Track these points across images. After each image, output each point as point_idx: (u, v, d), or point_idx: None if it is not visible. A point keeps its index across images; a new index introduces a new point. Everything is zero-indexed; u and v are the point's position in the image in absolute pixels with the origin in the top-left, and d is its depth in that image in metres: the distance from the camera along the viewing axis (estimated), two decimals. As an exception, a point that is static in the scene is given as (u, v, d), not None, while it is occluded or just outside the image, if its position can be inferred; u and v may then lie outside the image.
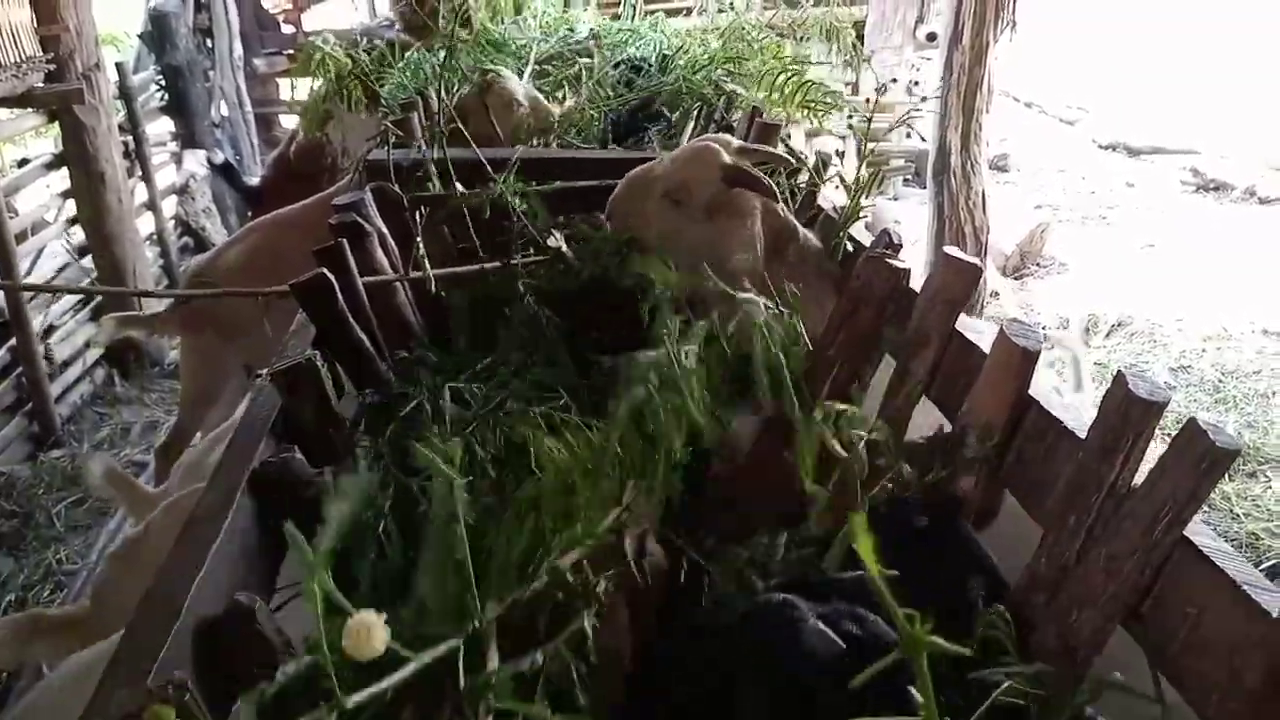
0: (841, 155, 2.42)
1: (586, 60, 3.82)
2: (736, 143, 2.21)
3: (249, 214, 6.21)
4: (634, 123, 3.42)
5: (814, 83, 3.03)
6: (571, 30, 4.23)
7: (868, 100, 2.26)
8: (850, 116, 3.29)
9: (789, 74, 3.16)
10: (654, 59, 3.81)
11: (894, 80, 9.55)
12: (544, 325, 2.01)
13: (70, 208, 6.50)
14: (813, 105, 3.05)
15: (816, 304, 2.04)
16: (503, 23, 4.26)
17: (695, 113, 3.50)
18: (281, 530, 1.49)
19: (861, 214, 2.24)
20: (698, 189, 2.09)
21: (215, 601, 1.22)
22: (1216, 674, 1.15)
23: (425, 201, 2.45)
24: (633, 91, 3.60)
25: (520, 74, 3.66)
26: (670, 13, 5.34)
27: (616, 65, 3.82)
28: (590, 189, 2.56)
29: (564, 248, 2.13)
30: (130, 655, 1.14)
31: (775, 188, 2.14)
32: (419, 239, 2.14)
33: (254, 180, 6.38)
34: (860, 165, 2.21)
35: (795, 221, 2.23)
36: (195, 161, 7.94)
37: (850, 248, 2.25)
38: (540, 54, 3.88)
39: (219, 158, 7.10)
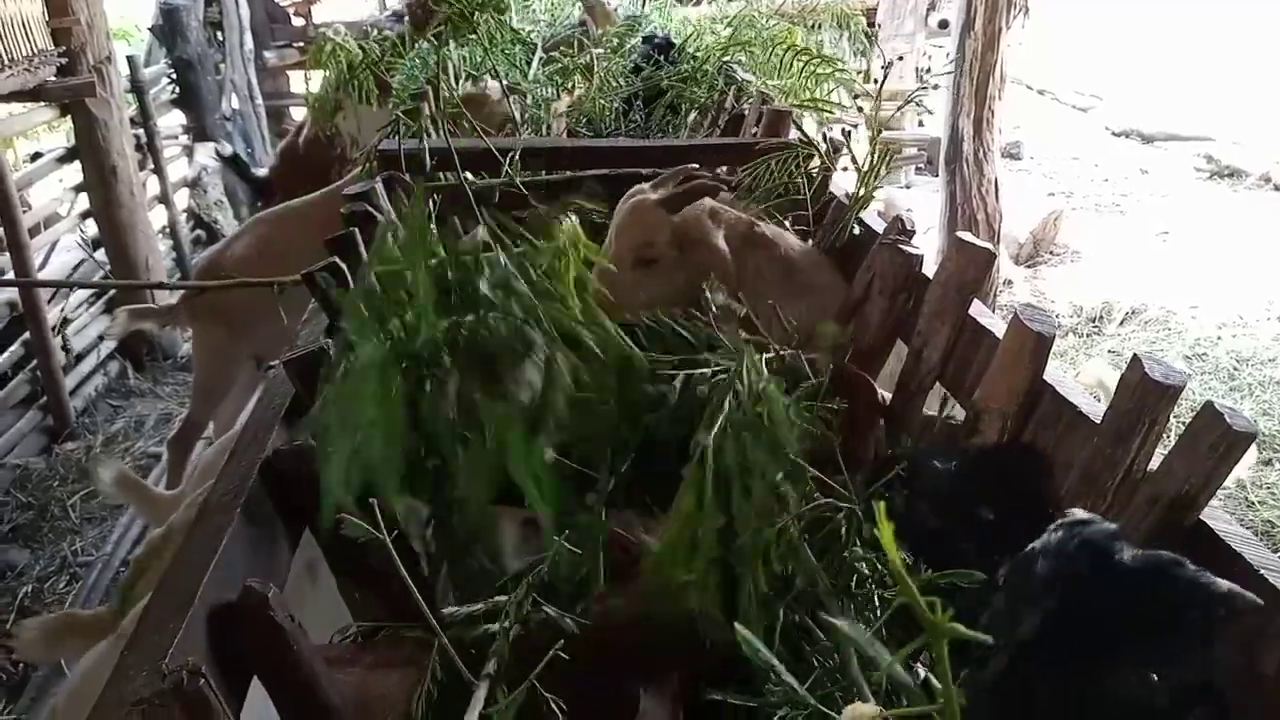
0: (848, 136, 2.40)
1: (597, 52, 3.81)
2: (648, 185, 2.20)
3: (259, 205, 6.21)
4: (646, 111, 3.42)
5: (831, 63, 2.98)
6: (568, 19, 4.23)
7: (875, 80, 2.24)
8: (856, 98, 3.26)
9: (803, 59, 3.12)
10: (663, 43, 3.80)
11: (901, 58, 9.51)
12: None
13: (83, 201, 6.53)
14: (822, 103, 3.00)
15: (796, 296, 2.01)
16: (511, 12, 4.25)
17: (704, 100, 3.48)
18: (295, 516, 1.51)
19: (872, 197, 2.23)
20: (658, 237, 2.09)
21: (229, 588, 1.23)
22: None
23: (435, 190, 2.45)
24: (640, 79, 3.59)
25: (529, 63, 3.65)
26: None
27: (618, 51, 3.81)
28: (600, 178, 2.56)
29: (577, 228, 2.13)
30: (146, 641, 1.15)
31: (718, 179, 2.14)
32: (432, 226, 2.14)
33: (262, 171, 6.39)
34: (872, 149, 2.19)
35: (742, 214, 2.21)
36: (206, 154, 7.97)
37: (857, 231, 2.24)
38: (545, 41, 3.88)
39: (226, 149, 7.12)
